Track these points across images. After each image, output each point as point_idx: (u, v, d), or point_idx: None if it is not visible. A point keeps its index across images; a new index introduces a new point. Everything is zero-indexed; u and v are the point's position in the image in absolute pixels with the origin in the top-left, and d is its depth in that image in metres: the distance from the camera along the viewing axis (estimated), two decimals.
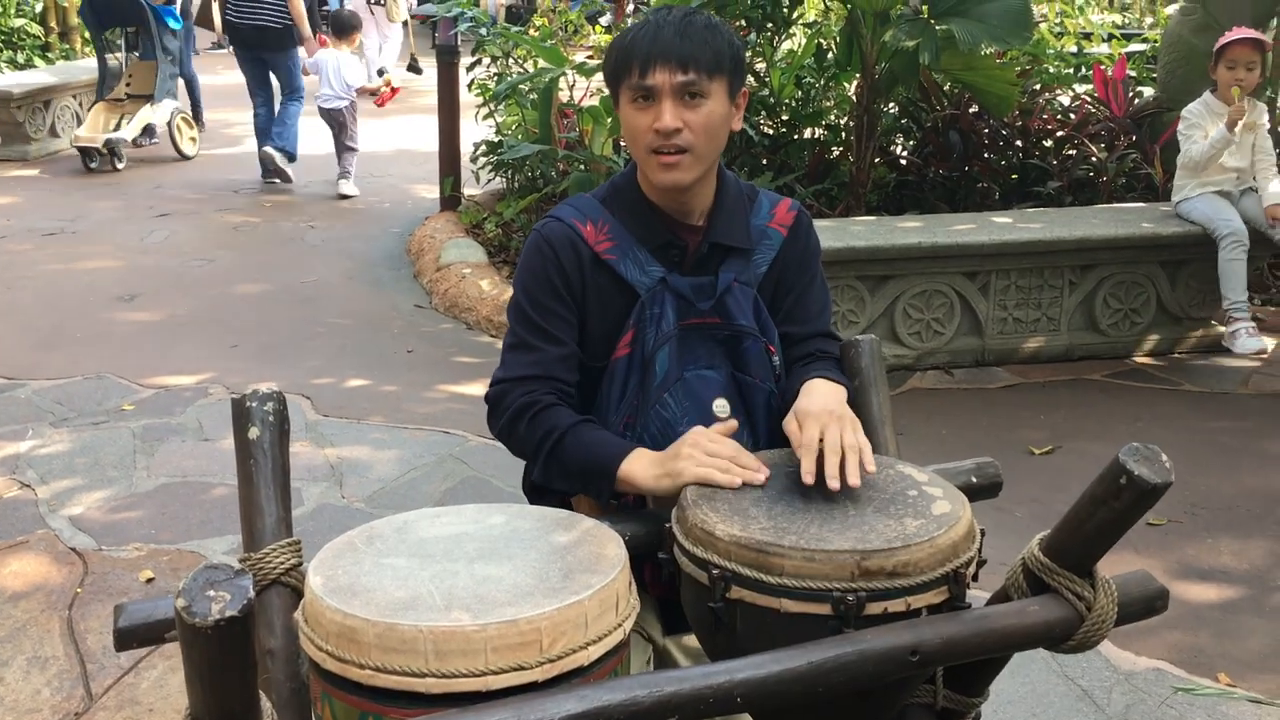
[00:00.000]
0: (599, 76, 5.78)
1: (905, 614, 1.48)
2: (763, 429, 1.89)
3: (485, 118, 7.39)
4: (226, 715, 1.24)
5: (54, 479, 3.94)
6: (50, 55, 11.68)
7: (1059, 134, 6.54)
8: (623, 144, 5.91)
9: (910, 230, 5.04)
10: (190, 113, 9.79)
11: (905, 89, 6.10)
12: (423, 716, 1.29)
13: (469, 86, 7.46)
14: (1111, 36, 8.09)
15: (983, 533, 1.61)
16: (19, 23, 11.54)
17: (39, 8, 11.81)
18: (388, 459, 4.14)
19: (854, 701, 1.51)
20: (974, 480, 1.91)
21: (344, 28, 8.28)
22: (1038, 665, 2.89)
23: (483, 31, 7.21)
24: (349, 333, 5.53)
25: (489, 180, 7.35)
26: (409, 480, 3.98)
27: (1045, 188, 6.13)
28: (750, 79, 6.18)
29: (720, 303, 1.87)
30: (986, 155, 6.40)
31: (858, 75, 5.89)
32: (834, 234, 4.85)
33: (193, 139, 9.49)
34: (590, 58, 7.40)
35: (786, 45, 6.79)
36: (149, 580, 3.31)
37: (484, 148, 7.04)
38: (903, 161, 6.54)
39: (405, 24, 13.17)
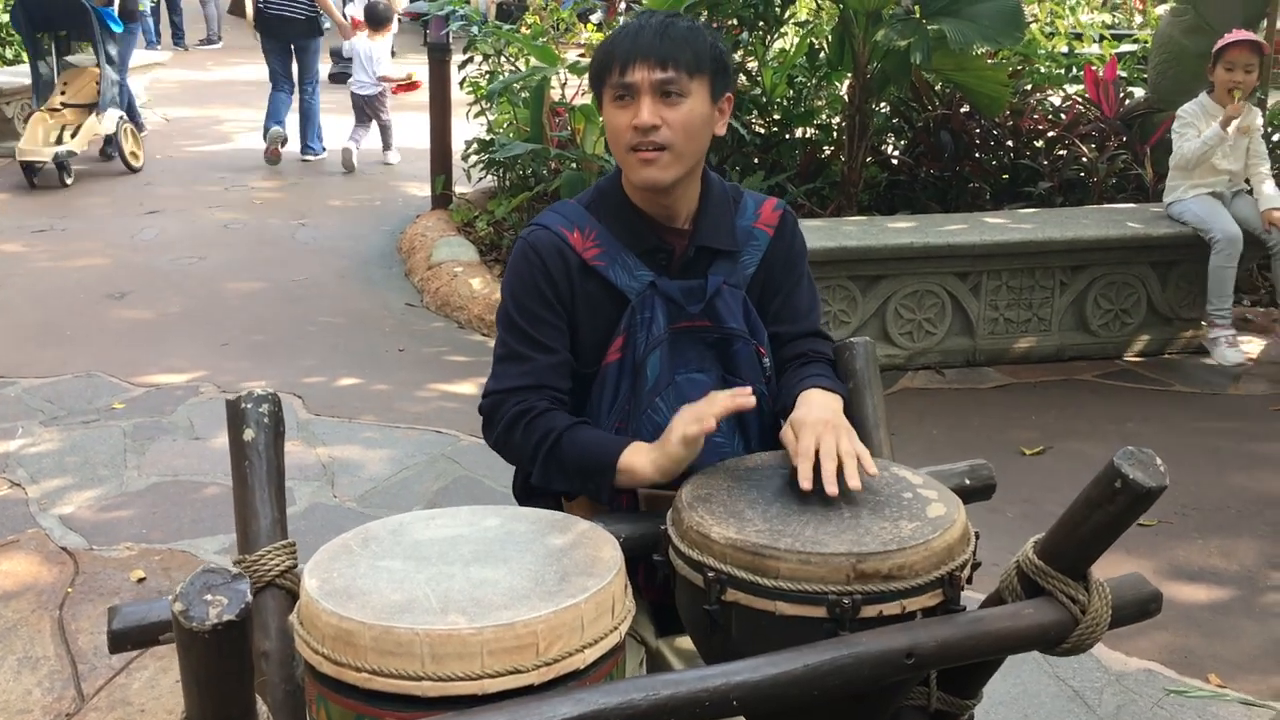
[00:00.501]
0: None
1: (900, 617, 1.48)
2: (754, 431, 1.90)
3: (477, 116, 7.38)
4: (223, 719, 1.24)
5: (44, 478, 3.92)
6: None
7: (1050, 134, 6.56)
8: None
9: (902, 230, 5.05)
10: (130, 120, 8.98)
11: (897, 89, 6.11)
12: None
13: (460, 84, 7.45)
14: (1102, 37, 8.11)
15: (977, 535, 1.62)
16: None
17: None
18: (379, 458, 4.13)
19: (849, 704, 1.52)
20: (968, 482, 1.93)
21: (378, 20, 9.07)
22: (1029, 666, 2.90)
23: (474, 29, 7.19)
24: (340, 331, 5.52)
25: (480, 179, 7.33)
26: (401, 480, 3.98)
27: (1036, 188, 6.14)
28: (742, 78, 6.18)
29: (710, 306, 1.87)
30: (978, 155, 6.41)
31: (849, 75, 5.90)
32: (826, 234, 4.86)
33: (134, 153, 8.76)
34: (582, 56, 7.38)
35: (778, 44, 6.80)
36: (140, 580, 3.30)
37: (475, 146, 7.02)
38: (894, 161, 6.55)
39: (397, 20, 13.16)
